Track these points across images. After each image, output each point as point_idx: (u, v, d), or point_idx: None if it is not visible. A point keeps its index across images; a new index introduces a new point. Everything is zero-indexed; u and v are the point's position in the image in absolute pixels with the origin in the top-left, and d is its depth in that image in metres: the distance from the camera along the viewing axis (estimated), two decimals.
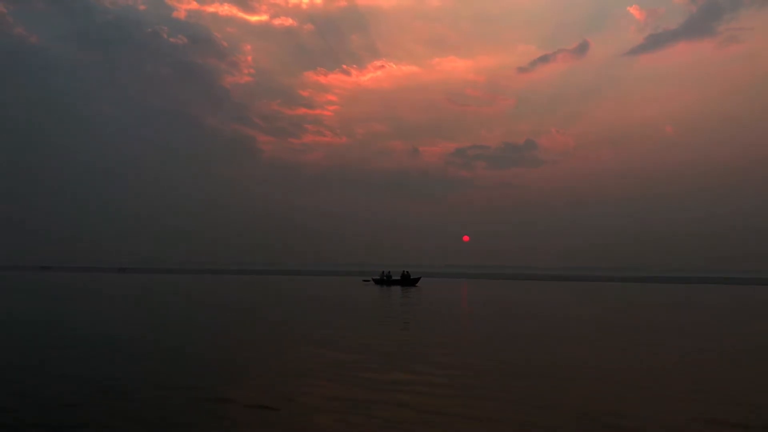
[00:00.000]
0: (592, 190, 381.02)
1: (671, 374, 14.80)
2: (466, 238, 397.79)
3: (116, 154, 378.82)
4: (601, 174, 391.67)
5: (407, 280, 76.54)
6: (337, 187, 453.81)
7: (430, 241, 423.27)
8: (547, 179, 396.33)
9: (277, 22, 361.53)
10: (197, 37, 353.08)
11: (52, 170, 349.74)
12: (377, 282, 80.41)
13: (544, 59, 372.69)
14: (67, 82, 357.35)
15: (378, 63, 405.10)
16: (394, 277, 79.49)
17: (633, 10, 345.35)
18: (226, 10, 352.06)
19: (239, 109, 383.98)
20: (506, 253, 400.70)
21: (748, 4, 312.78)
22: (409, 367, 15.20)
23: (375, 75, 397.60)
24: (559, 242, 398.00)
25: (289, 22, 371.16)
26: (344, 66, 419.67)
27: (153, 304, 39.84)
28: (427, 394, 11.97)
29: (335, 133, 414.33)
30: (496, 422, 9.97)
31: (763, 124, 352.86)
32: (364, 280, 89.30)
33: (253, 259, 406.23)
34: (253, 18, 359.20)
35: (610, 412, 10.80)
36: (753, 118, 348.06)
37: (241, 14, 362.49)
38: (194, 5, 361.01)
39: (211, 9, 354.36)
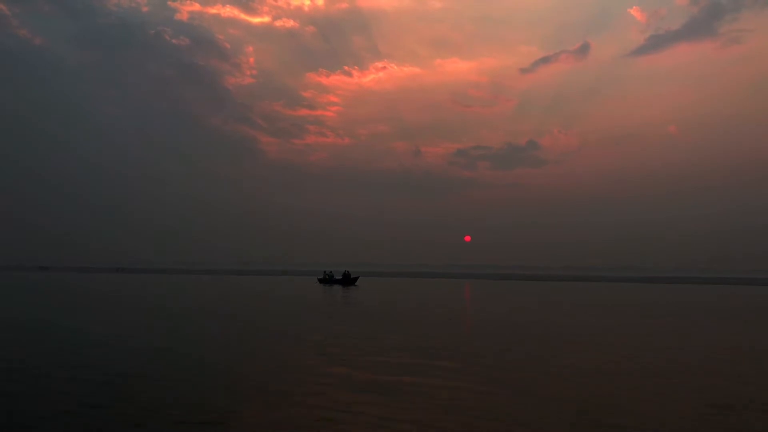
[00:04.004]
0: (594, 190, 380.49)
1: (661, 375, 13.88)
2: (467, 237, 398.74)
3: (118, 155, 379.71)
4: (604, 174, 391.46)
5: (348, 280, 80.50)
6: (340, 187, 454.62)
7: (432, 240, 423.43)
8: (550, 179, 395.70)
9: (279, 23, 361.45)
10: (200, 38, 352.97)
11: (55, 170, 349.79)
12: (321, 281, 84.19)
13: (545, 60, 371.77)
14: (70, 83, 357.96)
15: (380, 64, 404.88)
16: (336, 277, 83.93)
17: (634, 12, 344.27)
18: (228, 11, 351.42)
19: (241, 110, 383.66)
20: (508, 253, 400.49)
21: (749, 6, 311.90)
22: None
23: (377, 76, 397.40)
24: (561, 242, 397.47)
25: (290, 23, 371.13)
26: (346, 67, 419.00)
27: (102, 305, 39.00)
28: None
29: (337, 134, 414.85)
30: None
31: (764, 124, 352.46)
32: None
33: (255, 259, 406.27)
34: (255, 20, 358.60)
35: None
36: (754, 119, 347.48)
37: (243, 16, 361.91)
38: (197, 7, 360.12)
39: (213, 11, 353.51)
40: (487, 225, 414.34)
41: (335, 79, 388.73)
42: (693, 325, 28.69)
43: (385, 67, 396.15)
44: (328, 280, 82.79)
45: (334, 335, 21.67)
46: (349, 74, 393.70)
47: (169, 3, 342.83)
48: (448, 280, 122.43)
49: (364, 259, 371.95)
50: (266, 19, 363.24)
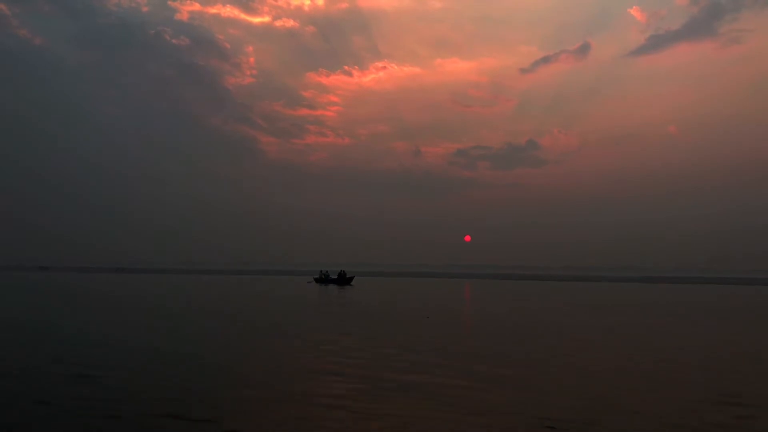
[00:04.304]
0: (594, 190, 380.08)
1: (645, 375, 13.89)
2: (467, 237, 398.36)
3: (118, 155, 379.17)
4: (604, 174, 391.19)
5: (343, 279, 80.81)
6: (340, 187, 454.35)
7: (432, 240, 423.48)
8: (550, 179, 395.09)
9: (279, 23, 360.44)
10: (200, 38, 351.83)
11: (55, 170, 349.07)
12: (317, 281, 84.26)
13: (546, 60, 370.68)
14: (70, 83, 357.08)
15: (380, 64, 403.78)
16: (331, 276, 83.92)
17: (634, 12, 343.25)
18: (228, 11, 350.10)
19: (241, 110, 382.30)
20: (508, 253, 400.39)
21: (749, 6, 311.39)
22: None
23: (377, 76, 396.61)
24: (561, 242, 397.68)
25: (290, 23, 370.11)
26: (346, 67, 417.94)
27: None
28: None
29: (337, 133, 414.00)
30: None
31: (764, 124, 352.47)
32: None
33: (255, 259, 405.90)
34: (255, 19, 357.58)
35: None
36: (754, 119, 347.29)
37: (243, 16, 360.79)
38: (197, 7, 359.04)
39: (213, 11, 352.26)
40: (487, 225, 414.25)
41: (335, 79, 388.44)
42: (693, 325, 28.72)
43: (385, 67, 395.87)
44: (323, 279, 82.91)
45: (334, 335, 21.70)
46: (349, 74, 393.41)
47: (169, 3, 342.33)
48: (448, 280, 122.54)
49: (364, 259, 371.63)
50: (266, 19, 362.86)
